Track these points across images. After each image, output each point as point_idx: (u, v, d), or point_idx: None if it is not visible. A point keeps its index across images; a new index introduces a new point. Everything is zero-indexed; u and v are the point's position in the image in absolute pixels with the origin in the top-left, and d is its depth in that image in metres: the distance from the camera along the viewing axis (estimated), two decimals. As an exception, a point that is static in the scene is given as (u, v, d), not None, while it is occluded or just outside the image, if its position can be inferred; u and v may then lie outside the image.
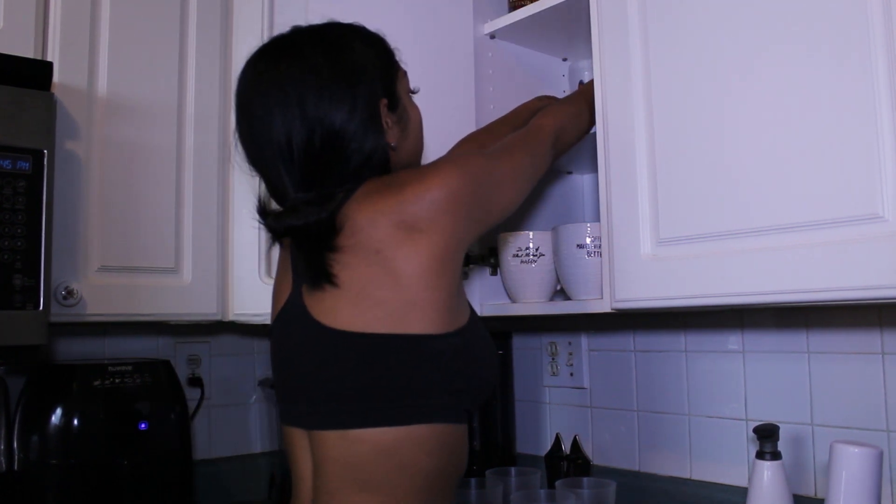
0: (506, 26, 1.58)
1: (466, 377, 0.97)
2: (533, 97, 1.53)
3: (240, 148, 1.01)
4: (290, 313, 1.01)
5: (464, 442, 1.00)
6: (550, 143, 1.20)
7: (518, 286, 1.49)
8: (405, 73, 1.09)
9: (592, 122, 1.33)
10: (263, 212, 0.99)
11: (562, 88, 1.74)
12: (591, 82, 1.37)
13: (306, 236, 0.95)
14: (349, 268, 0.93)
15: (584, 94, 1.36)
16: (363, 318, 0.92)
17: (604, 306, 1.28)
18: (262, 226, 1.00)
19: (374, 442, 0.91)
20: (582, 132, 1.34)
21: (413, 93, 1.10)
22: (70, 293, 1.34)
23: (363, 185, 0.98)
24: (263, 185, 1.02)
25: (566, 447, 1.69)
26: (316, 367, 0.96)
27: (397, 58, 1.07)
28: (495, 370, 1.06)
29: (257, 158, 0.99)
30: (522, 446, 1.84)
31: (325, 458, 0.94)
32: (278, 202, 1.01)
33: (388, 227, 0.92)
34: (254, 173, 1.02)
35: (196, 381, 1.80)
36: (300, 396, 0.99)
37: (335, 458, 0.93)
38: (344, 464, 0.92)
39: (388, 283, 0.91)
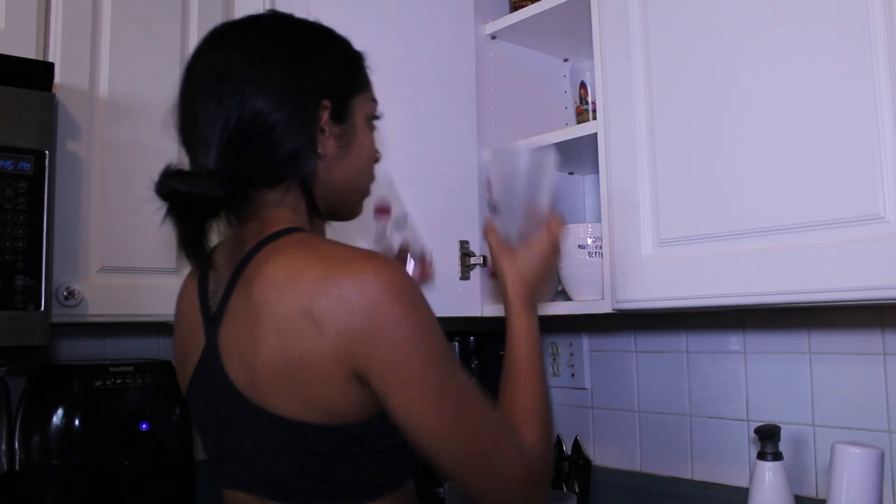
0: (507, 27, 1.58)
1: (406, 450, 0.86)
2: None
3: (174, 112, 0.93)
4: (209, 375, 0.89)
5: (413, 494, 0.94)
6: (527, 483, 0.88)
7: (519, 287, 1.49)
8: (374, 100, 0.99)
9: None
10: (164, 172, 0.86)
11: (563, 89, 1.74)
12: (518, 324, 1.02)
13: (186, 207, 0.85)
14: (261, 336, 0.82)
15: (532, 373, 0.99)
16: (281, 402, 0.82)
17: (605, 307, 1.28)
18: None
19: None
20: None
21: (376, 118, 1.00)
22: (71, 294, 1.34)
23: (298, 236, 0.87)
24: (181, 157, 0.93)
25: (567, 448, 1.69)
26: (249, 444, 0.87)
27: (371, 81, 0.99)
28: None
29: (184, 122, 0.92)
30: (523, 447, 1.84)
31: None
32: None
33: (294, 308, 0.80)
34: (179, 139, 0.93)
35: (197, 382, 1.80)
36: (239, 464, 0.90)
37: None
38: None
39: (291, 374, 0.80)
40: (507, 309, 1.04)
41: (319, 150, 0.91)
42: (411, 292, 0.82)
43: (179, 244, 0.87)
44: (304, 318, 0.79)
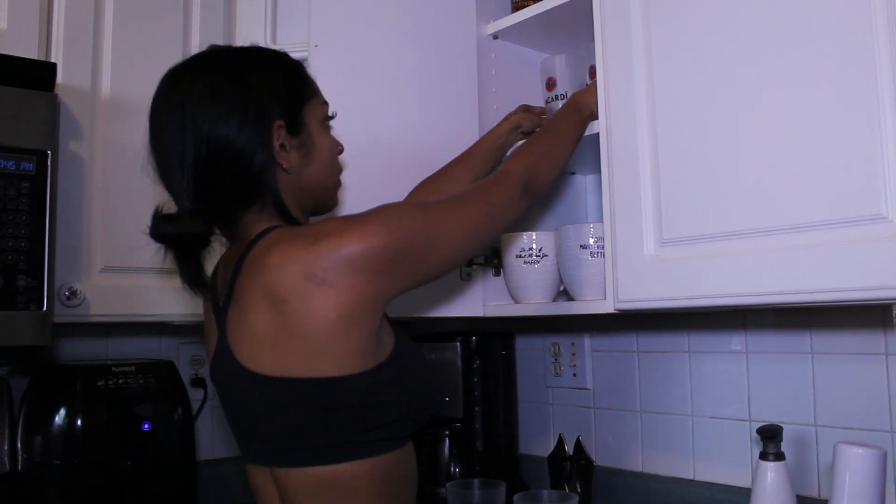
0: (509, 27, 1.58)
1: (396, 408, 0.98)
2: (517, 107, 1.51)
3: (151, 159, 1.02)
4: (221, 358, 1.02)
5: (411, 459, 1.03)
6: (519, 189, 1.14)
7: (521, 287, 1.49)
8: (325, 103, 1.09)
9: (568, 154, 1.29)
10: (154, 217, 0.99)
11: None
12: (566, 107, 1.34)
13: (179, 246, 0.98)
14: (260, 313, 0.94)
15: (556, 127, 1.29)
16: (278, 363, 0.93)
17: (607, 307, 1.28)
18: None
19: (322, 478, 0.95)
20: (558, 168, 1.26)
21: (330, 118, 1.10)
22: (73, 294, 1.34)
23: (280, 230, 0.99)
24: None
25: (569, 448, 1.69)
26: (249, 410, 0.99)
27: (317, 87, 1.08)
28: (428, 393, 1.07)
29: (160, 170, 1.01)
30: (525, 447, 1.84)
31: (288, 490, 0.98)
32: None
33: (296, 276, 0.91)
34: (160, 183, 1.03)
35: (199, 382, 1.80)
36: (251, 436, 1.02)
37: (296, 489, 0.97)
38: (304, 496, 0.96)
39: (296, 332, 0.92)
40: (559, 113, 1.33)
41: (284, 165, 1.01)
42: (400, 210, 0.99)
43: (181, 278, 1.01)
44: (308, 281, 0.91)
